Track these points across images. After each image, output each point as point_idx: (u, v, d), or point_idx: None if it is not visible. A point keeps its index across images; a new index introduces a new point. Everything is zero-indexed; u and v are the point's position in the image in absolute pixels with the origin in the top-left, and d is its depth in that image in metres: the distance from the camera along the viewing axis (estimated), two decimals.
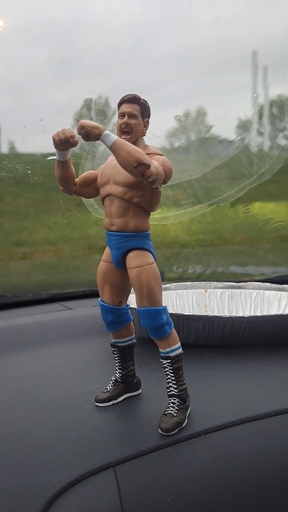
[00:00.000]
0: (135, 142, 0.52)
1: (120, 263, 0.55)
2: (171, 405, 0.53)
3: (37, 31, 1.15)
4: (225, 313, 0.94)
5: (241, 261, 1.40)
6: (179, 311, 0.89)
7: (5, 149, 1.16)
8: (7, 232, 1.28)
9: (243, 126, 1.32)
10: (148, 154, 0.51)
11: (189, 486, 0.46)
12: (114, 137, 0.49)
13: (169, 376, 0.54)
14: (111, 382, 0.60)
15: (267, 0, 1.33)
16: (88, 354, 0.78)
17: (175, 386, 0.54)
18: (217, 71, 1.28)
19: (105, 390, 0.60)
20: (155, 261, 0.54)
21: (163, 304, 0.53)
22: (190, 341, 0.77)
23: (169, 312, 0.55)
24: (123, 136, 0.52)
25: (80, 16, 1.20)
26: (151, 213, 0.55)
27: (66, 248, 1.33)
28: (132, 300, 0.57)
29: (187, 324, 0.76)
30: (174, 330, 0.54)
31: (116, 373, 0.60)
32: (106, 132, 0.48)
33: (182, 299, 0.97)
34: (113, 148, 0.48)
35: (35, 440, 0.51)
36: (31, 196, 1.23)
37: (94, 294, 1.13)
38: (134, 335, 0.60)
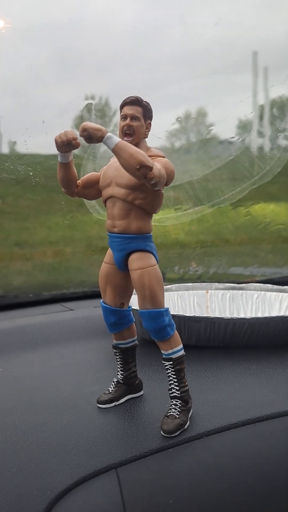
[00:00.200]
0: (137, 144, 0.52)
1: (122, 265, 0.55)
2: (173, 406, 0.53)
3: (38, 32, 1.15)
4: (226, 314, 0.94)
5: (242, 262, 1.40)
6: (180, 312, 0.90)
7: (6, 150, 1.16)
8: (8, 233, 1.28)
9: (244, 127, 1.32)
10: (150, 156, 0.51)
11: (191, 487, 0.46)
12: (116, 139, 0.49)
13: (171, 378, 0.54)
14: (113, 383, 0.60)
15: (267, 1, 1.33)
16: (90, 355, 0.78)
17: (177, 388, 0.54)
18: (217, 72, 1.28)
19: (107, 392, 0.60)
20: (157, 263, 0.54)
21: (166, 307, 0.53)
22: (192, 342, 0.77)
23: (171, 313, 0.55)
24: (126, 138, 0.52)
25: (81, 17, 1.20)
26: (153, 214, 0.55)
27: (67, 249, 1.33)
28: (134, 302, 0.57)
29: (188, 326, 0.76)
30: (176, 332, 0.54)
31: (118, 374, 0.60)
32: (109, 134, 0.48)
33: (183, 300, 0.97)
34: (116, 150, 0.48)
35: (36, 442, 0.51)
36: (32, 197, 1.23)
37: (95, 295, 1.13)
38: (136, 337, 0.60)
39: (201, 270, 1.30)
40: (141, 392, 0.62)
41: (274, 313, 0.91)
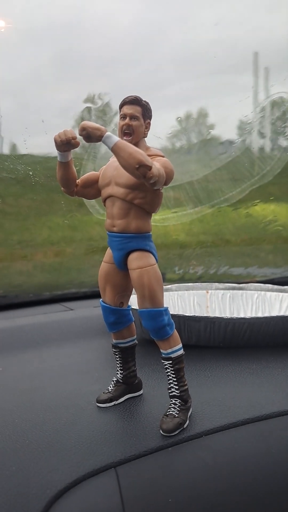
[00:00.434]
0: (136, 144, 0.52)
1: (121, 264, 0.55)
2: (173, 406, 0.54)
3: (39, 33, 1.16)
4: (227, 314, 0.94)
5: (243, 263, 1.40)
6: (181, 312, 0.89)
7: (7, 150, 1.16)
8: (9, 233, 1.28)
9: (245, 127, 1.32)
10: (149, 155, 0.51)
11: (190, 487, 0.46)
12: (115, 138, 0.49)
13: (170, 377, 0.54)
14: (112, 382, 0.61)
15: (268, 2, 1.33)
16: (89, 354, 0.78)
17: (177, 387, 0.54)
18: (218, 73, 1.28)
19: (107, 391, 0.60)
20: (157, 262, 0.54)
21: (165, 305, 0.53)
22: (192, 342, 0.77)
23: (170, 313, 0.55)
24: (125, 138, 0.52)
25: (82, 18, 1.20)
26: (152, 214, 0.55)
27: (68, 249, 1.33)
28: (134, 302, 0.57)
29: (188, 325, 0.76)
30: (175, 331, 0.54)
31: (117, 374, 0.60)
32: (108, 133, 0.48)
33: (183, 300, 0.97)
34: (115, 150, 0.48)
35: (36, 441, 0.51)
36: (33, 197, 1.23)
37: (96, 295, 1.13)
38: (135, 336, 0.60)
39: (201, 271, 1.30)
40: (141, 392, 0.62)
41: (274, 313, 0.91)
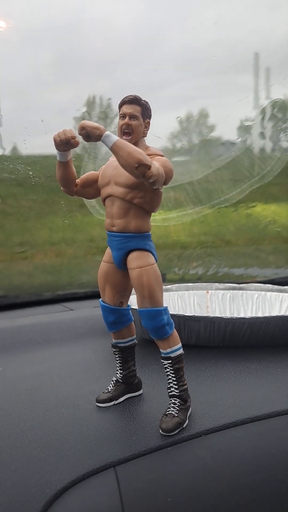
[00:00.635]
0: (136, 143, 0.52)
1: (121, 264, 0.55)
2: (172, 405, 0.54)
3: (40, 34, 1.16)
4: (227, 314, 0.94)
5: (243, 263, 1.40)
6: (181, 312, 0.89)
7: (7, 151, 1.16)
8: (9, 234, 1.29)
9: (245, 128, 1.32)
10: (149, 155, 0.51)
11: (190, 486, 0.46)
12: (114, 137, 0.49)
13: (170, 377, 0.54)
14: (112, 382, 0.60)
15: (269, 2, 1.33)
16: (90, 354, 0.78)
17: (176, 387, 0.54)
18: (219, 73, 1.28)
19: (106, 391, 0.60)
20: (156, 262, 0.54)
21: (164, 305, 0.53)
22: (192, 342, 0.77)
23: (170, 313, 0.55)
24: (124, 137, 0.52)
25: (82, 18, 1.20)
26: (152, 214, 0.55)
27: (69, 250, 1.34)
28: (133, 301, 0.57)
29: (188, 325, 0.76)
30: (175, 330, 0.54)
31: (117, 373, 0.60)
32: (107, 132, 0.48)
33: (183, 300, 0.97)
34: (114, 149, 0.49)
35: (36, 440, 0.51)
36: (33, 198, 1.23)
37: (96, 295, 1.13)
38: (135, 336, 0.60)
39: (201, 271, 1.30)
40: (140, 391, 0.62)
41: (275, 313, 0.91)
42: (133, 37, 1.25)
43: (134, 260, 0.53)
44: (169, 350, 0.53)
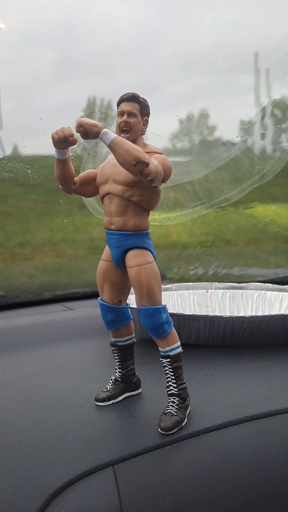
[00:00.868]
0: (134, 141, 0.52)
1: (119, 262, 0.55)
2: (171, 404, 0.53)
3: (40, 35, 1.16)
4: (227, 313, 0.94)
5: (243, 263, 1.40)
6: (180, 312, 0.89)
7: (8, 151, 1.16)
8: (10, 234, 1.29)
9: (246, 128, 1.32)
10: (147, 152, 0.51)
11: (188, 485, 0.46)
12: (112, 135, 0.49)
13: (168, 375, 0.54)
14: (111, 381, 0.60)
15: (269, 2, 1.33)
16: (89, 354, 0.78)
17: (175, 385, 0.54)
18: (219, 73, 1.28)
19: (105, 390, 0.60)
20: (155, 260, 0.54)
21: (163, 304, 0.53)
22: (191, 341, 0.77)
23: (170, 312, 0.55)
24: (122, 135, 0.52)
25: (82, 19, 1.20)
26: (152, 213, 0.55)
27: (69, 250, 1.34)
28: (132, 300, 0.57)
29: (187, 324, 0.76)
30: (173, 329, 0.54)
31: (116, 372, 0.60)
32: (105, 130, 0.48)
33: (183, 300, 0.96)
34: (112, 146, 0.48)
35: (34, 439, 0.51)
36: (34, 198, 1.23)
37: (96, 295, 1.13)
38: (134, 334, 0.60)
39: (201, 271, 1.30)
40: (139, 390, 0.62)
41: (275, 312, 0.91)
42: (133, 38, 1.25)
43: (133, 258, 0.53)
44: (168, 348, 0.53)
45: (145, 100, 0.53)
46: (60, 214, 1.22)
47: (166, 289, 0.97)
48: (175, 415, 0.52)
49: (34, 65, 1.21)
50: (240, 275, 1.34)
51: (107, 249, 0.56)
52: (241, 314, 0.92)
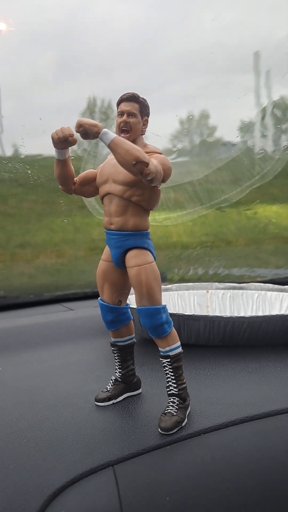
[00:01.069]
0: (134, 141, 0.52)
1: (119, 262, 0.55)
2: (171, 404, 0.53)
3: (40, 35, 1.16)
4: (227, 314, 0.94)
5: (244, 263, 1.40)
6: (181, 312, 0.89)
7: (9, 152, 1.16)
8: (11, 235, 1.29)
9: (246, 128, 1.32)
10: (147, 152, 0.51)
11: (188, 485, 0.46)
12: (112, 135, 0.49)
13: (168, 375, 0.54)
14: (111, 381, 0.60)
15: (269, 2, 1.33)
16: (89, 354, 0.78)
17: (175, 385, 0.54)
18: (220, 74, 1.28)
19: (105, 390, 0.60)
20: (155, 260, 0.54)
21: (163, 304, 0.53)
22: (191, 341, 0.77)
23: (170, 312, 0.55)
24: (122, 135, 0.52)
25: (83, 20, 1.20)
26: (152, 214, 0.55)
27: (70, 251, 1.34)
28: (132, 300, 0.57)
29: (188, 324, 0.76)
30: (173, 329, 0.54)
31: (116, 372, 0.60)
32: (105, 130, 0.48)
33: (183, 300, 0.96)
34: (112, 146, 0.48)
35: (34, 439, 0.51)
36: (34, 199, 1.23)
37: (96, 295, 1.13)
38: (134, 335, 0.60)
39: (201, 272, 1.30)
40: (139, 390, 0.61)
41: (275, 312, 0.91)
42: (134, 38, 1.25)
43: (133, 258, 0.53)
44: (167, 348, 0.53)
45: (145, 100, 0.53)
46: (60, 215, 1.22)
47: (166, 289, 0.97)
48: (175, 415, 0.52)
49: (34, 65, 1.21)
50: (241, 276, 1.34)
51: (107, 249, 0.56)
52: (241, 314, 0.91)
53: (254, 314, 0.93)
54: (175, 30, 1.25)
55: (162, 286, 0.56)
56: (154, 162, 0.49)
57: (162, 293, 0.54)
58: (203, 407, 0.56)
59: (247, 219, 1.38)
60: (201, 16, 1.26)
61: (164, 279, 1.21)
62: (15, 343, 0.84)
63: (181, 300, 0.96)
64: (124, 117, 0.52)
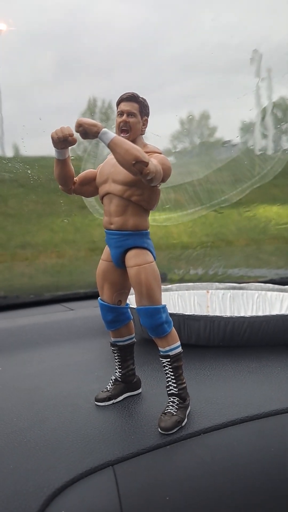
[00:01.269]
0: (134, 141, 0.52)
1: (119, 262, 0.55)
2: (171, 404, 0.53)
3: (41, 35, 1.16)
4: (227, 314, 0.94)
5: (244, 263, 1.40)
6: (181, 312, 0.89)
7: (9, 153, 1.16)
8: (11, 235, 1.29)
9: (246, 128, 1.32)
10: (147, 152, 0.51)
11: (188, 485, 0.46)
12: (112, 134, 0.49)
13: (168, 375, 0.54)
14: (111, 381, 0.60)
15: (269, 2, 1.33)
16: (89, 354, 0.78)
17: (175, 385, 0.54)
18: (220, 74, 1.28)
19: (105, 390, 0.60)
20: (155, 260, 0.54)
21: (163, 304, 0.53)
22: (192, 341, 0.77)
23: (170, 312, 0.55)
24: (122, 135, 0.52)
25: (83, 20, 1.20)
26: (153, 214, 0.55)
27: (70, 251, 1.34)
28: (132, 300, 0.57)
29: (188, 324, 0.76)
30: (173, 329, 0.54)
31: (116, 372, 0.60)
32: (104, 129, 0.48)
33: (183, 300, 0.96)
34: (111, 146, 0.48)
35: (34, 439, 0.51)
36: (35, 199, 1.23)
37: (96, 295, 1.13)
38: (134, 334, 0.60)
39: (202, 272, 1.30)
40: (139, 390, 0.61)
41: (275, 312, 0.91)
42: (134, 39, 1.25)
43: (132, 258, 0.53)
44: (167, 348, 0.53)
45: (145, 100, 0.53)
46: (61, 215, 1.22)
47: (166, 289, 0.97)
48: (175, 415, 0.52)
49: (34, 65, 1.21)
50: (241, 276, 1.34)
51: (107, 249, 0.56)
52: (242, 314, 0.91)
53: (254, 314, 0.93)
54: (175, 30, 1.25)
55: (162, 286, 0.56)
56: (153, 162, 0.49)
57: (162, 293, 0.54)
58: (203, 407, 0.56)
59: (247, 220, 1.38)
60: (201, 16, 1.26)
61: (165, 279, 1.21)
62: (15, 343, 0.84)
63: (181, 300, 0.96)
64: (124, 117, 0.52)
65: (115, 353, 0.60)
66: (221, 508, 0.46)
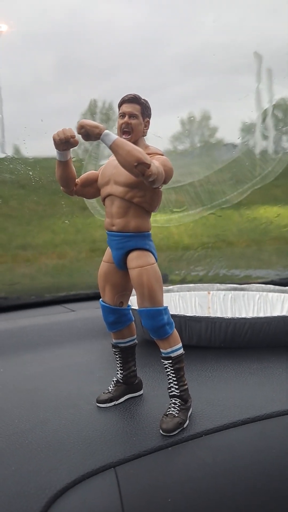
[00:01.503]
0: (135, 142, 0.52)
1: (121, 264, 0.55)
2: (172, 405, 0.53)
3: (42, 37, 1.16)
4: (228, 315, 0.94)
5: (245, 264, 1.40)
6: (182, 313, 0.89)
7: (10, 153, 1.16)
8: (12, 236, 1.29)
9: (247, 129, 1.32)
10: (148, 154, 0.51)
11: (190, 487, 0.46)
12: (114, 136, 0.49)
13: (170, 377, 0.54)
14: (112, 383, 0.60)
15: (270, 3, 1.33)
16: (90, 355, 0.78)
17: (176, 387, 0.54)
18: (221, 75, 1.28)
19: (107, 391, 0.59)
20: (156, 261, 0.54)
21: (165, 305, 0.53)
22: (193, 342, 0.77)
23: (172, 313, 0.55)
24: (124, 136, 0.52)
25: (84, 21, 1.20)
26: (154, 215, 0.55)
27: (71, 252, 1.34)
28: (134, 302, 0.57)
29: (189, 326, 0.76)
30: (175, 330, 0.54)
31: (117, 374, 0.60)
32: (106, 131, 0.48)
33: (184, 301, 0.96)
34: (113, 148, 0.48)
35: (36, 441, 0.51)
36: (36, 200, 1.23)
37: (97, 297, 1.13)
38: (135, 336, 0.60)
39: (203, 273, 1.30)
40: (141, 392, 0.61)
41: (276, 313, 0.91)
42: (135, 40, 1.25)
43: (134, 259, 0.53)
44: (169, 350, 0.53)
45: (147, 102, 0.53)
46: (62, 216, 1.22)
47: (167, 291, 0.97)
48: (177, 416, 0.52)
49: (35, 66, 1.21)
50: (242, 277, 1.34)
51: (108, 251, 0.56)
52: (243, 316, 0.92)
53: (255, 315, 0.93)
54: (176, 31, 1.25)
55: (164, 287, 0.56)
56: (155, 164, 0.49)
57: (164, 294, 0.54)
58: (205, 408, 0.56)
59: (248, 221, 1.38)
60: (202, 17, 1.26)
61: (166, 280, 1.21)
62: (16, 344, 0.84)
63: (183, 301, 0.96)
64: (126, 118, 0.52)
65: (116, 355, 0.60)
66: (222, 509, 0.46)
